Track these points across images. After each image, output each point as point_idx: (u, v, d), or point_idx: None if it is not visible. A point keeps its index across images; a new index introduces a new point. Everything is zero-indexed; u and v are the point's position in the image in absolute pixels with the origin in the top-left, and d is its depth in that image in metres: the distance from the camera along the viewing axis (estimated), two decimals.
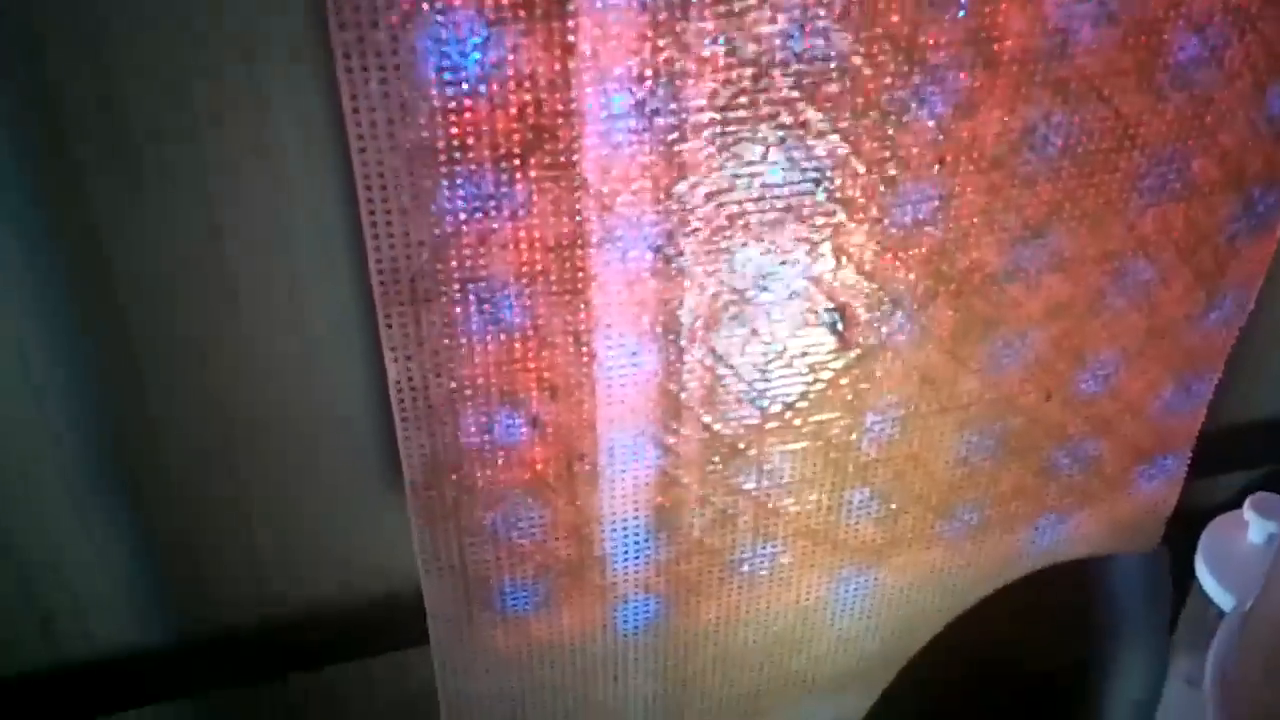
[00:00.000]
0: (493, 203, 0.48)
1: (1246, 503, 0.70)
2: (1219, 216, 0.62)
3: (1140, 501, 0.74)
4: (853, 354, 0.59)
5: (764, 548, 0.65)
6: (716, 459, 0.60)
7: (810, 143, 0.51)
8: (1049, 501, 0.71)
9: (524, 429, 0.56)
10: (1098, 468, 0.70)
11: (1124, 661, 0.42)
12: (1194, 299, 0.65)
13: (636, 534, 0.61)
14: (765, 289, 0.55)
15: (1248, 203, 0.62)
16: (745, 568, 0.65)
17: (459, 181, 0.47)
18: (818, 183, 0.52)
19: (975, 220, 0.56)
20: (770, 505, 0.63)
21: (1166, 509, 0.75)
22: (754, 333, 0.56)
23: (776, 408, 0.59)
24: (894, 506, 0.66)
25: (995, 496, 0.68)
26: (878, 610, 0.71)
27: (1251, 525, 0.70)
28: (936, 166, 0.54)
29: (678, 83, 0.47)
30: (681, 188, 0.50)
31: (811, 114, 0.50)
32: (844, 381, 0.59)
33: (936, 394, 0.62)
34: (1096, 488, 0.71)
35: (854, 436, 0.62)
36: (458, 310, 0.51)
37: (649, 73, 0.47)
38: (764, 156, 0.51)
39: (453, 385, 0.53)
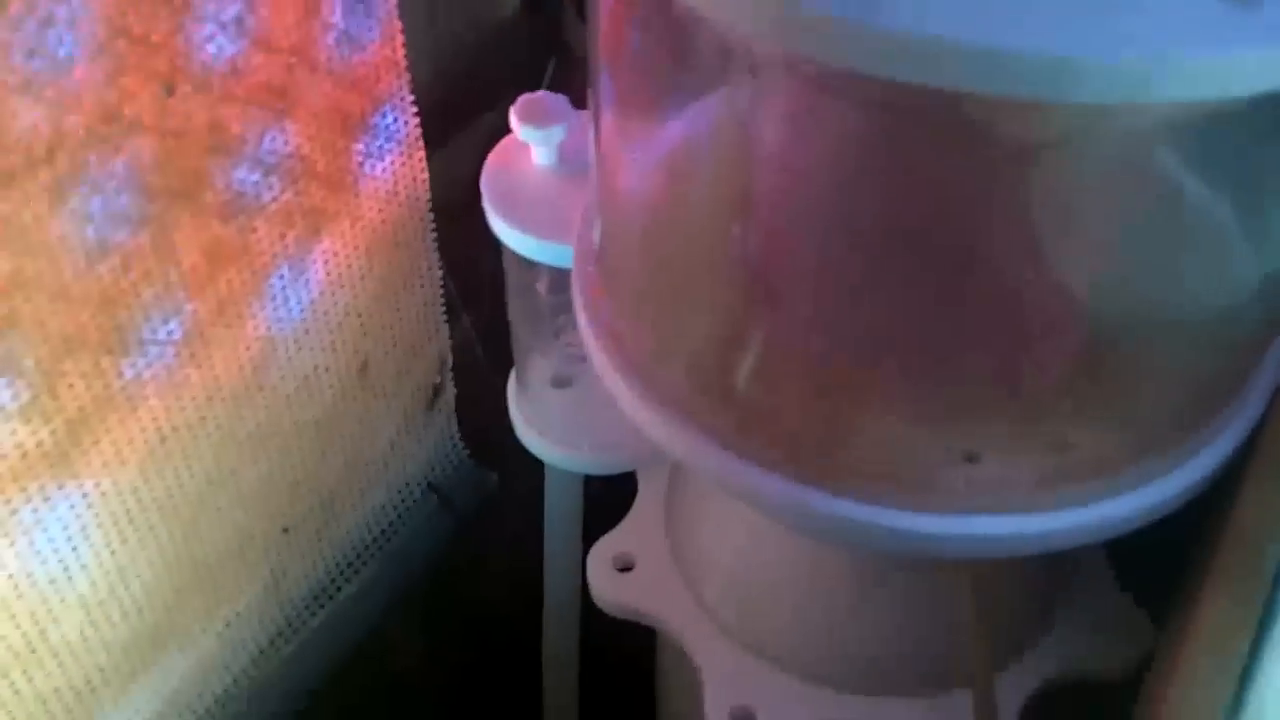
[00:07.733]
0: None
1: (512, 117, 0.48)
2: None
3: (386, 190, 0.51)
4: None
5: None
6: None
7: None
8: (268, 248, 0.46)
9: None
10: (306, 167, 0.46)
11: None
12: None
13: None
14: None
15: None
16: None
17: None
18: None
19: None
20: None
21: (421, 187, 0.53)
22: None
23: None
24: None
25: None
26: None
27: (533, 147, 0.49)
28: None
29: None
30: None
31: None
32: None
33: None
34: (320, 201, 0.47)
35: None
36: None
37: None
38: None
39: None
